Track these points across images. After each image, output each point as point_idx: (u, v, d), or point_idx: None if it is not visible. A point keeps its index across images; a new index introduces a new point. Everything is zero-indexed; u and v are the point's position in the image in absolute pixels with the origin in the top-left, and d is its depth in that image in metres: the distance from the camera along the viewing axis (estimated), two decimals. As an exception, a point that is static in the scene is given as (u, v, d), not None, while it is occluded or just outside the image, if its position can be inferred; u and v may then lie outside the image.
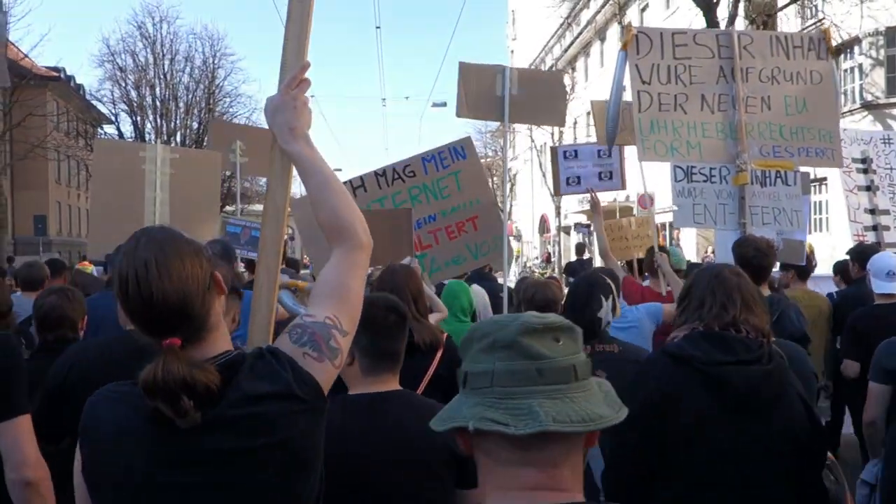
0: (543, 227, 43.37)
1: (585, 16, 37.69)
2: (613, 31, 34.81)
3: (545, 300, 3.79)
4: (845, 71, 19.30)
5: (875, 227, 6.66)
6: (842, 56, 19.13)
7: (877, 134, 7.39)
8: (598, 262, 13.78)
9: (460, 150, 5.89)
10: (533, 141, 35.81)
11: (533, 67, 41.74)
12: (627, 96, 5.25)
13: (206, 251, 1.54)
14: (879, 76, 18.10)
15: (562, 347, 1.20)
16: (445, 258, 5.66)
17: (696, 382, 2.35)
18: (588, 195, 6.01)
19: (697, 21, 18.61)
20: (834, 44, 16.23)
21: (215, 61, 31.38)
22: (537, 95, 5.66)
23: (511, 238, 43.68)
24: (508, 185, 41.82)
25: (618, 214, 11.55)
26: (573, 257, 26.71)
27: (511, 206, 42.71)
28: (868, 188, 6.73)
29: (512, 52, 52.55)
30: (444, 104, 34.04)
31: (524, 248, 45.33)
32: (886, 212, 6.77)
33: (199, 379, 1.37)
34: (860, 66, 18.76)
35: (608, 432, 2.02)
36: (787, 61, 5.11)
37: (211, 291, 1.49)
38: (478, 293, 5.17)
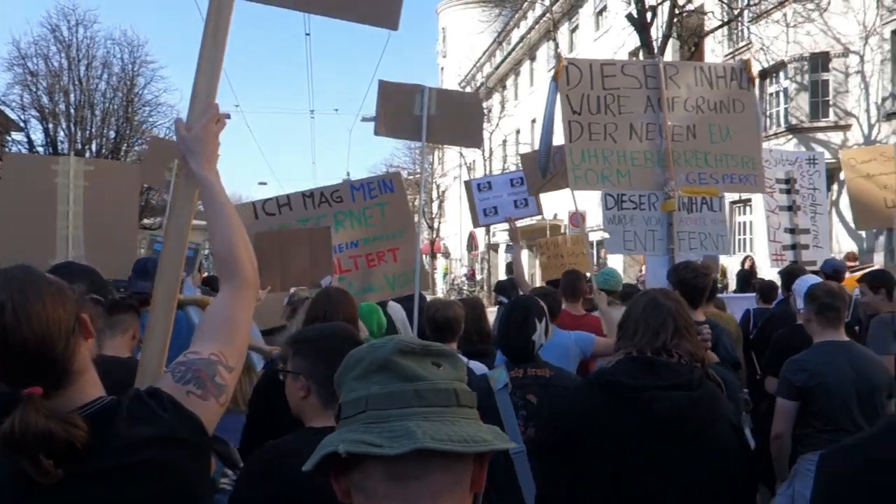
0: (472, 244, 43.98)
1: (516, 35, 38.90)
2: (543, 51, 36.23)
3: (445, 319, 3.99)
4: (771, 94, 20.60)
5: (794, 246, 7.10)
6: (768, 80, 20.44)
7: (802, 155, 7.93)
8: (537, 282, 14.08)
9: (389, 183, 6.16)
10: (463, 157, 36.38)
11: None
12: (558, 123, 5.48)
13: (70, 291, 1.46)
14: (804, 100, 19.18)
15: (442, 372, 1.13)
16: (363, 284, 5.78)
17: (624, 408, 2.43)
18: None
19: (631, 40, 19.35)
20: (760, 67, 17.14)
21: (135, 68, 30.60)
22: (455, 116, 5.88)
23: (439, 255, 44.35)
24: (437, 203, 42.41)
25: (548, 233, 11.90)
26: (502, 275, 27.11)
27: (439, 223, 43.02)
28: (790, 208, 7.20)
29: (442, 68, 53.45)
30: (374, 119, 34.09)
31: (452, 266, 45.87)
32: (806, 231, 7.22)
33: (59, 433, 1.29)
34: (785, 90, 19.89)
35: (540, 462, 2.18)
36: (710, 91, 5.46)
37: (76, 335, 1.41)
38: (395, 309, 5.32)
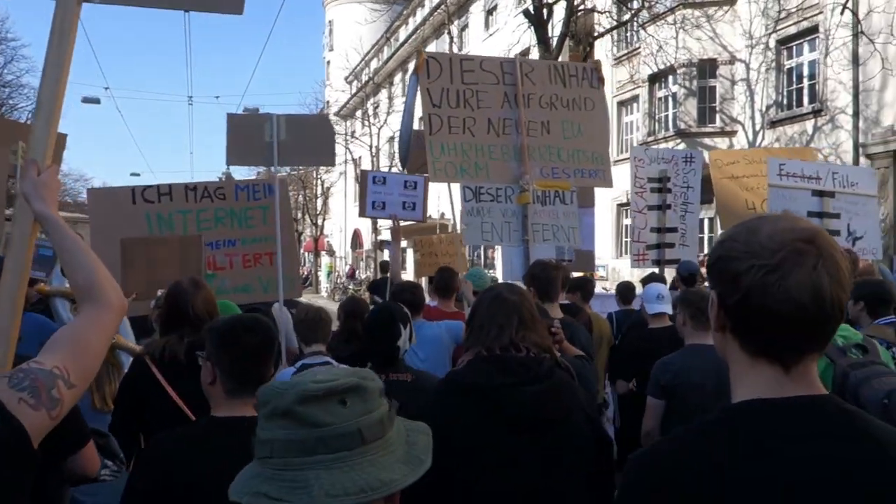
0: (357, 241, 44.61)
1: (405, 32, 40.29)
2: (433, 48, 37.28)
3: (315, 321, 4.31)
4: (660, 99, 21.97)
5: (658, 245, 7.65)
6: (657, 84, 21.85)
7: (679, 153, 8.48)
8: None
9: (273, 188, 6.31)
10: (350, 151, 37.10)
11: (349, 80, 45.65)
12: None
13: None
14: (692, 106, 20.40)
15: (347, 411, 1.20)
16: (235, 284, 5.94)
17: (478, 407, 2.56)
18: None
19: (525, 38, 20.07)
20: (652, 71, 18.08)
21: None
22: (306, 139, 6.13)
23: (323, 253, 44.94)
24: (321, 199, 42.88)
25: (437, 230, 12.32)
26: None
27: (323, 220, 43.35)
28: (659, 207, 7.73)
29: (328, 62, 54.29)
30: (258, 109, 34.39)
31: (337, 264, 46.34)
32: (674, 229, 7.81)
33: None
34: (674, 94, 21.10)
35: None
36: (563, 88, 5.95)
37: None
38: (280, 318, 5.45)
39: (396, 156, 36.77)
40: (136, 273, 5.46)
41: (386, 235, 34.54)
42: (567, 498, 2.60)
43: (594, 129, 6.14)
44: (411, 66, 39.65)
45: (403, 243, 11.41)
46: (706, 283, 6.99)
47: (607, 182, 6.34)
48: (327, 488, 1.13)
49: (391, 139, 36.54)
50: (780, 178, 6.94)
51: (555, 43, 16.15)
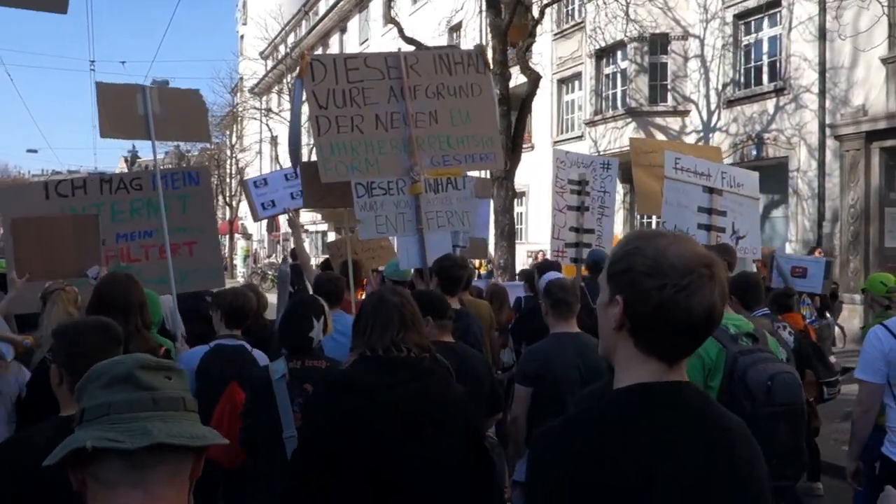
0: (272, 224, 45.97)
1: (325, 5, 43.36)
2: (355, 22, 40.16)
3: (237, 307, 5.15)
4: (607, 76, 23.05)
5: (577, 244, 8.61)
6: (604, 60, 22.97)
7: (598, 159, 9.84)
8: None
9: (195, 175, 7.12)
10: (269, 128, 38.58)
11: (265, 56, 48.77)
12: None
13: None
14: (643, 83, 21.39)
15: (172, 383, 1.67)
16: (151, 276, 6.37)
17: (361, 406, 3.07)
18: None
19: (469, 5, 21.09)
20: (596, 48, 18.91)
21: None
22: (180, 113, 6.91)
23: (238, 236, 46.52)
24: (236, 180, 44.48)
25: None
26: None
27: (238, 202, 45.57)
28: (578, 208, 8.75)
29: (242, 36, 57.22)
30: (167, 82, 35.73)
31: (252, 248, 47.66)
32: (591, 231, 8.78)
33: None
34: (624, 71, 22.16)
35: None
36: (449, 77, 6.86)
37: None
38: (164, 299, 6.07)
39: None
40: (28, 252, 5.96)
41: (304, 219, 36.02)
42: (444, 500, 3.11)
43: (483, 114, 7.05)
44: (333, 40, 42.02)
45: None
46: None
47: (499, 163, 7.26)
48: (166, 432, 1.55)
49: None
50: (676, 172, 8.28)
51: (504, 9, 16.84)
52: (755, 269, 8.54)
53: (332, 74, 6.81)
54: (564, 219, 9.22)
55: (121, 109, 6.62)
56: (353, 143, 6.70)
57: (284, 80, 42.63)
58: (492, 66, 15.30)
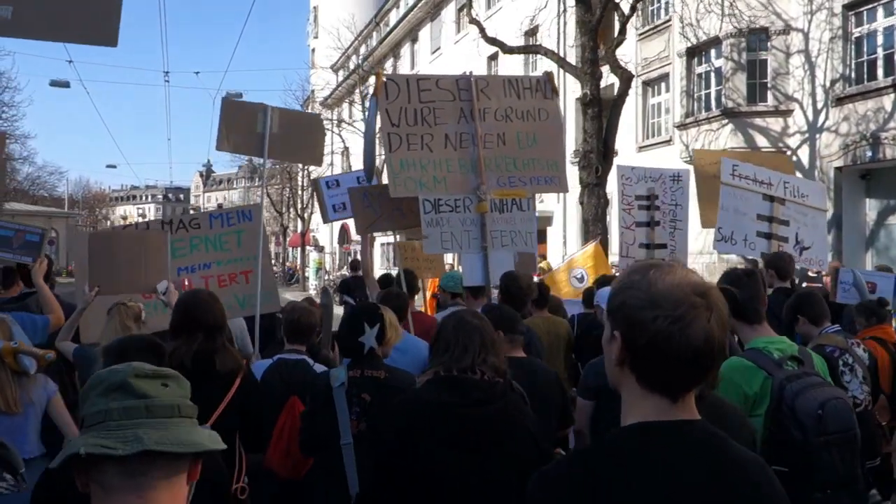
0: (345, 236, 47.80)
1: (395, 15, 46.15)
2: (426, 31, 41.77)
3: (300, 324, 5.79)
4: (699, 75, 23.06)
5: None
6: (695, 59, 23.03)
7: (667, 171, 10.10)
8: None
9: (248, 213, 8.15)
10: (342, 139, 40.10)
11: (335, 68, 50.98)
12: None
13: None
14: (740, 81, 21.32)
15: (168, 391, 1.88)
16: None
17: (430, 423, 3.37)
18: None
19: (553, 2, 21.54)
20: (687, 46, 18.89)
21: None
22: (297, 135, 8.00)
23: (310, 249, 48.64)
24: (308, 191, 46.44)
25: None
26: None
27: (311, 213, 48.13)
28: (647, 224, 9.32)
29: (313, 49, 60.48)
30: (240, 95, 38.11)
31: (325, 260, 49.65)
32: (663, 246, 9.40)
33: None
34: (718, 70, 22.15)
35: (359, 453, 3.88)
36: (518, 101, 7.65)
37: None
38: (234, 321, 6.96)
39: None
40: (100, 265, 6.78)
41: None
42: None
43: (549, 138, 7.82)
44: (404, 51, 44.26)
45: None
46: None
47: (563, 187, 8.00)
48: (156, 439, 1.76)
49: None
50: (733, 178, 8.78)
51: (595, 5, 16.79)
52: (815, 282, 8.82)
53: (405, 94, 7.66)
54: (633, 236, 9.89)
55: (240, 126, 7.66)
56: (423, 161, 7.54)
57: (356, 91, 44.50)
58: (580, 65, 15.97)
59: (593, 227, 15.84)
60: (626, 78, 16.51)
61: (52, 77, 38.76)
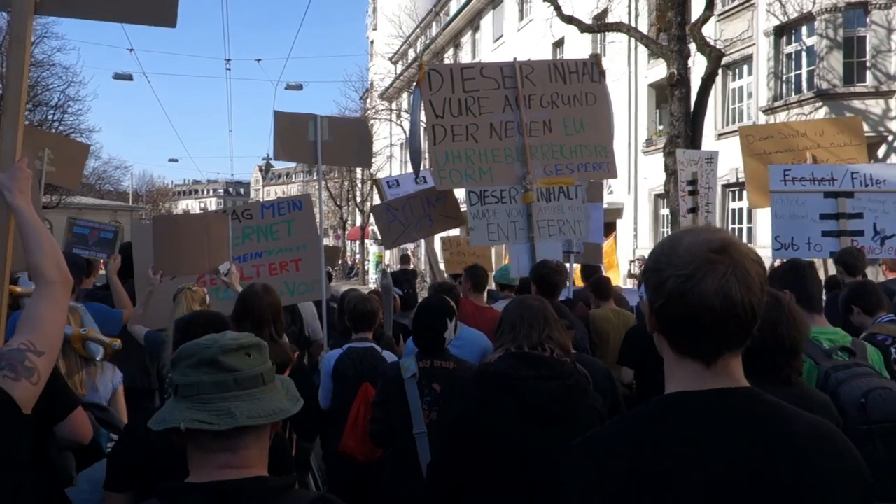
0: None
1: (455, 5, 46.68)
2: (488, 20, 42.44)
3: (364, 312, 6.14)
4: (788, 56, 22.67)
5: None
6: (783, 38, 22.61)
7: (704, 154, 10.20)
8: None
9: (298, 203, 8.69)
10: (403, 129, 41.46)
11: (394, 61, 53.49)
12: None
13: None
14: (836, 61, 20.87)
15: (252, 360, 2.22)
16: None
17: (504, 395, 3.65)
18: None
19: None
20: (774, 24, 18.37)
21: None
22: (346, 140, 8.55)
23: (370, 242, 49.81)
24: (368, 184, 48.37)
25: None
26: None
27: (370, 205, 48.53)
28: (693, 210, 9.35)
29: (371, 42, 62.72)
30: (300, 87, 39.27)
31: (386, 253, 51.23)
32: None
33: None
34: (810, 48, 21.75)
35: (433, 442, 4.33)
36: (564, 86, 7.91)
37: None
38: (305, 306, 7.84)
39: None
40: (164, 248, 7.30)
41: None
42: None
43: (597, 123, 8.09)
44: (465, 40, 45.64)
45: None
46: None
47: (612, 173, 8.23)
48: (247, 413, 2.11)
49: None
50: (784, 184, 8.86)
51: None
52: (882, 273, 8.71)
53: (449, 84, 8.02)
54: (687, 223, 10.09)
55: (294, 135, 8.31)
56: (468, 152, 7.87)
57: (415, 83, 44.38)
58: (666, 43, 16.02)
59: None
60: (715, 57, 16.14)
61: (114, 70, 40.79)
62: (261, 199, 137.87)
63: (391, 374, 4.86)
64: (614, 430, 1.96)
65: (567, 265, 8.71)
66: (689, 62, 16.35)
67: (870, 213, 8.90)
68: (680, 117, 15.56)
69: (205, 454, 2.11)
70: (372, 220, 54.17)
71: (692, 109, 15.94)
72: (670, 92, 16.02)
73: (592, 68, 8.37)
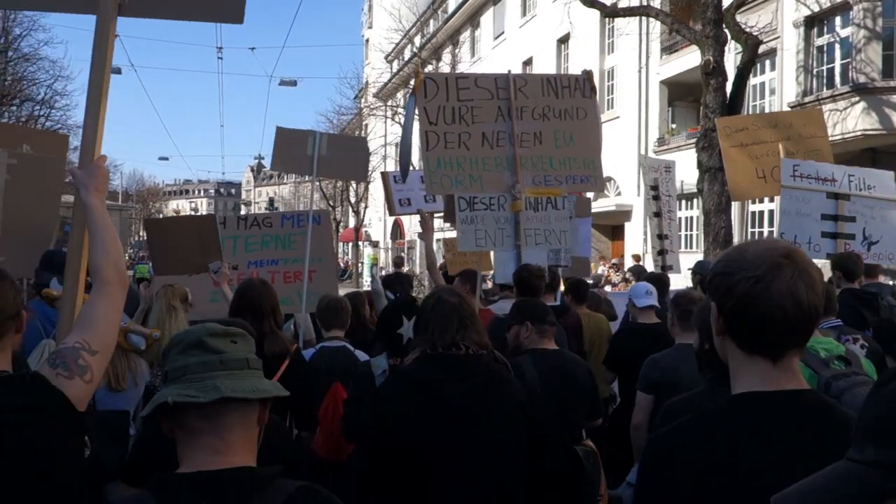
0: (398, 232, 49.33)
1: (454, 2, 46.98)
2: (488, 16, 42.84)
3: (334, 309, 6.44)
4: (819, 48, 21.73)
5: (662, 252, 9.64)
6: (814, 29, 21.72)
7: (662, 162, 10.71)
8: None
9: (317, 217, 9.33)
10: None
11: (390, 60, 53.89)
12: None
13: (17, 284, 2.76)
14: (875, 53, 19.95)
15: (237, 347, 2.34)
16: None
17: (421, 400, 3.74)
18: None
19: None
20: (805, 14, 17.98)
21: (11, 17, 34.35)
22: (344, 156, 9.16)
23: (364, 244, 50.73)
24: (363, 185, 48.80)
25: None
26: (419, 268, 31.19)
27: (365, 207, 50.86)
28: (657, 214, 9.76)
29: (367, 40, 63.24)
30: (294, 83, 39.25)
31: (380, 255, 53.86)
32: (666, 236, 9.99)
33: None
34: (844, 40, 20.81)
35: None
36: (556, 100, 8.32)
37: (13, 321, 2.76)
38: (302, 322, 8.06)
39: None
40: (155, 248, 7.81)
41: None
42: (505, 491, 3.72)
43: (586, 137, 8.53)
44: (464, 37, 45.53)
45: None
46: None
47: (599, 186, 8.66)
48: (231, 387, 2.22)
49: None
50: (794, 180, 9.21)
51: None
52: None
53: (444, 92, 8.41)
54: (652, 226, 10.63)
55: (292, 149, 8.91)
56: (459, 159, 8.26)
57: (411, 82, 44.33)
58: (700, 28, 15.43)
59: (716, 218, 14.40)
60: (752, 45, 15.60)
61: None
62: (252, 200, 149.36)
63: (363, 372, 5.06)
64: (692, 427, 2.12)
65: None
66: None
67: (861, 218, 9.09)
68: (715, 109, 14.63)
69: (193, 439, 2.20)
70: (366, 221, 54.00)
71: (727, 101, 15.02)
72: (705, 81, 15.18)
73: (584, 84, 8.75)
